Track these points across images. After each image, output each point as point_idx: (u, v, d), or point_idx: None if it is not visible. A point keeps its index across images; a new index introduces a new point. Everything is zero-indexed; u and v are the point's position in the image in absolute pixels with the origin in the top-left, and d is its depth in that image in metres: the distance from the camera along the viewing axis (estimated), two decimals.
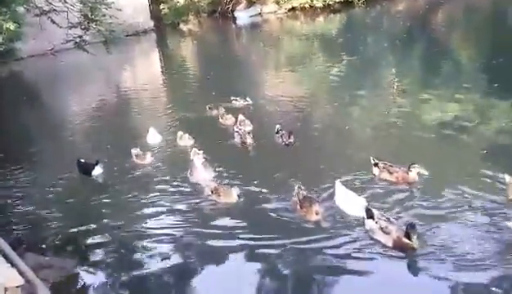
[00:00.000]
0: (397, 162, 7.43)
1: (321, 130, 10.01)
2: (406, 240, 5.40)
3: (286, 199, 6.94)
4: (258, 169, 8.43)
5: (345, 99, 12.07)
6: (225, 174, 8.19)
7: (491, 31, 19.98)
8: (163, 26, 34.51)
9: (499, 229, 5.68)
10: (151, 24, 33.21)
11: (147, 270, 5.79)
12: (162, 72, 20.97)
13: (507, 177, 6.27)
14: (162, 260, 5.94)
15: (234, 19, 36.10)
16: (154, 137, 10.30)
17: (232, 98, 12.49)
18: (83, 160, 9.02)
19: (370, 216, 5.92)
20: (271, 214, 6.69)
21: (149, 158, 9.17)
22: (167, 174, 8.60)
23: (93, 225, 6.94)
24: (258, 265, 5.63)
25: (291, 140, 9.16)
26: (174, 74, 19.39)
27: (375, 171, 7.40)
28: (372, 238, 5.79)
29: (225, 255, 5.90)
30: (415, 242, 5.32)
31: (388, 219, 5.80)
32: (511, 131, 8.78)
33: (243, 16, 35.51)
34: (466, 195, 6.48)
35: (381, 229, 5.69)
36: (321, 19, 31.01)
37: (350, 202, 6.48)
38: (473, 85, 12.13)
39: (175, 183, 8.14)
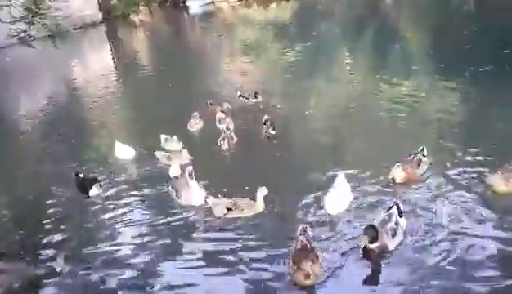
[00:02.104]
0: (362, 148, 7.75)
1: (287, 118, 9.89)
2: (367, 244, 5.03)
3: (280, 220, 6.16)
4: (245, 178, 7.34)
5: (304, 85, 12.22)
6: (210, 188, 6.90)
7: (437, 14, 20.83)
8: (113, 18, 33.39)
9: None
10: (100, 16, 32.02)
11: (107, 275, 5.54)
12: (115, 66, 20.31)
13: (490, 177, 6.12)
14: (124, 263, 5.75)
15: (186, 8, 35.52)
16: (124, 151, 8.71)
17: (239, 93, 11.22)
18: (81, 175, 7.60)
19: (401, 214, 5.44)
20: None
21: (186, 157, 8.05)
22: (147, 187, 7.56)
23: (51, 230, 6.66)
24: None
25: (274, 132, 8.80)
26: (128, 68, 18.81)
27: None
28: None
29: None
30: (363, 241, 5.01)
31: (387, 222, 5.27)
32: (457, 109, 9.33)
33: (195, 5, 35.00)
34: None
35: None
36: (273, 6, 31.07)
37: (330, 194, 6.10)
38: (421, 67, 12.73)
39: (159, 200, 7.10)
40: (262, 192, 6.20)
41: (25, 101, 15.43)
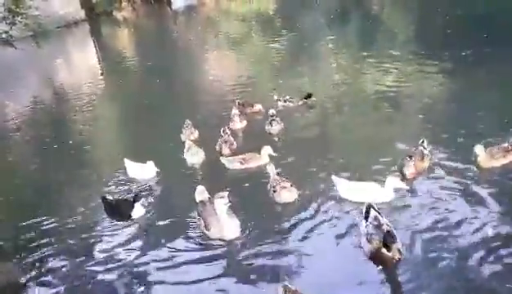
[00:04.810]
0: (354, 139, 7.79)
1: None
2: (384, 251, 4.65)
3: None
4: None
5: (291, 76, 12.24)
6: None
7: (419, 1, 21.03)
8: (96, 15, 33.06)
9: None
10: (82, 14, 31.68)
11: (97, 278, 5.44)
12: (100, 64, 20.11)
13: (477, 147, 6.29)
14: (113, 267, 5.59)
15: (169, 3, 35.22)
16: (144, 170, 7.42)
17: (287, 97, 9.90)
18: (110, 197, 6.56)
19: (367, 216, 5.16)
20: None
21: (265, 158, 7.19)
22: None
23: (41, 231, 6.57)
24: None
25: (274, 128, 8.53)
26: (114, 66, 18.66)
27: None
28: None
29: None
30: (393, 252, 4.59)
31: (380, 225, 4.96)
32: (441, 93, 9.52)
33: (178, 0, 34.74)
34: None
35: (366, 236, 4.96)
36: None
37: (359, 191, 5.95)
38: (403, 53, 12.93)
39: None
40: (271, 167, 6.50)
41: (9, 103, 15.15)
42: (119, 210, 6.34)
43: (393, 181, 5.86)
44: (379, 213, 5.16)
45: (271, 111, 8.83)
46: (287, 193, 6.19)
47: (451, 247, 4.97)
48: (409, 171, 6.27)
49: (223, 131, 8.22)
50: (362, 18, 19.73)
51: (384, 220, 5.04)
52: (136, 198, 6.29)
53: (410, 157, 6.35)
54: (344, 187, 6.12)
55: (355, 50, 14.52)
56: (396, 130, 8.11)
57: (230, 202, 5.60)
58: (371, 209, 5.16)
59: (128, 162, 7.62)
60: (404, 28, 16.82)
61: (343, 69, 12.41)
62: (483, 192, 5.87)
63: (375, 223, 5.00)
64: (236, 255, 5.40)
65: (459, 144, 7.09)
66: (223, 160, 7.59)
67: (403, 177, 6.24)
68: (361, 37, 16.31)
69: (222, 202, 5.53)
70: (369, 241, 4.87)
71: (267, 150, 7.26)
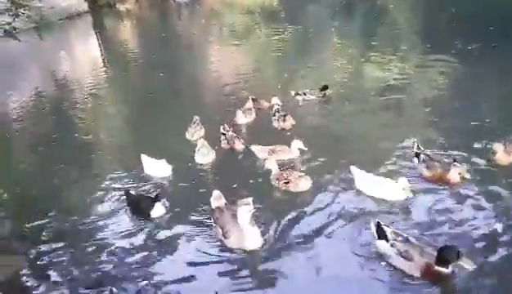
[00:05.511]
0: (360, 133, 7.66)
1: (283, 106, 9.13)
2: (439, 268, 4.27)
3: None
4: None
5: (295, 69, 12.14)
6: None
7: None
8: (99, 7, 32.92)
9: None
10: (85, 6, 31.56)
11: (100, 268, 5.48)
12: (103, 57, 19.98)
13: (496, 145, 6.14)
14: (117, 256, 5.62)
15: None
16: (159, 168, 7.23)
17: (306, 90, 9.77)
18: (133, 192, 6.53)
19: (383, 235, 4.75)
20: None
21: (295, 150, 7.11)
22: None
23: (50, 226, 6.55)
24: None
25: (287, 123, 8.30)
26: (117, 59, 18.56)
27: (415, 161, 6.41)
28: (390, 266, 4.66)
29: None
30: (466, 264, 4.17)
31: (407, 239, 4.64)
32: (446, 89, 9.42)
33: None
34: None
35: (400, 254, 4.53)
36: None
37: (374, 185, 5.86)
38: (409, 46, 12.79)
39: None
40: (272, 162, 6.62)
41: (13, 96, 15.07)
42: (139, 207, 6.19)
43: (404, 183, 5.67)
44: (389, 226, 4.88)
45: (277, 106, 8.67)
46: (304, 182, 6.26)
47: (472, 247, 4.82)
48: (455, 179, 5.85)
49: (223, 128, 8.05)
50: (367, 10, 19.55)
51: (403, 234, 4.75)
52: (157, 198, 6.10)
53: (455, 160, 5.94)
54: (361, 179, 6.01)
55: (360, 42, 14.40)
56: (404, 123, 8.03)
57: (254, 209, 5.18)
58: (382, 226, 4.83)
59: (144, 158, 7.39)
60: (409, 20, 16.66)
61: (349, 61, 12.30)
62: (498, 189, 5.74)
63: (400, 238, 4.64)
64: (257, 265, 5.08)
65: (466, 138, 7.00)
66: (252, 148, 7.47)
67: (447, 183, 5.88)
68: (366, 29, 16.18)
69: (246, 210, 5.10)
70: (409, 259, 4.45)
71: (297, 144, 7.10)
